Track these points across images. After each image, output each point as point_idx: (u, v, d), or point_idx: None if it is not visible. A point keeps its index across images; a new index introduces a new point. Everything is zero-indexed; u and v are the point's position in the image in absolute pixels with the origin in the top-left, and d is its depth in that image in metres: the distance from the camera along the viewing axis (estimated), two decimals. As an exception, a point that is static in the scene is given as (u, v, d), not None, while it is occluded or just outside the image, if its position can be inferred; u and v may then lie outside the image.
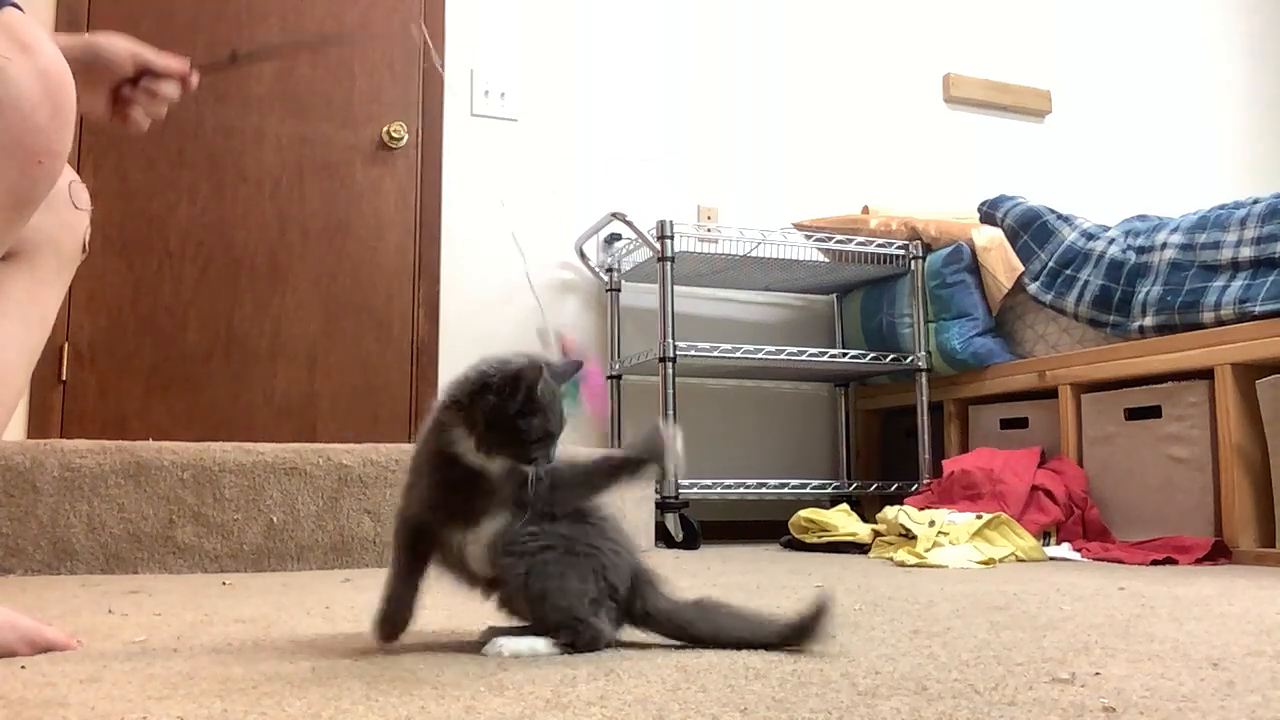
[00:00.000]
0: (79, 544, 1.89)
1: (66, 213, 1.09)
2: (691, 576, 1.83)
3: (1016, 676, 0.85)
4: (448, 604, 1.40)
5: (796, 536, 2.65)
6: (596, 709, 0.73)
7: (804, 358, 2.89)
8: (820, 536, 2.59)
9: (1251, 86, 4.32)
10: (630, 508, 2.41)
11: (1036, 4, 3.97)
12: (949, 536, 2.25)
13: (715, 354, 2.81)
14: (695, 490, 2.79)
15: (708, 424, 3.23)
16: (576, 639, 0.94)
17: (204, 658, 0.95)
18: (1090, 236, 2.80)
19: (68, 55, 1.12)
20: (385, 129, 3.00)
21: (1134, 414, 2.52)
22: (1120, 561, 2.22)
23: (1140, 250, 2.66)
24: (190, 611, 1.32)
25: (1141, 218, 2.85)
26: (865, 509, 2.92)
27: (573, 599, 0.94)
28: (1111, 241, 2.75)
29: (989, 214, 3.09)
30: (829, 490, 3.01)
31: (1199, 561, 2.18)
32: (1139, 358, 2.50)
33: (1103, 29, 4.08)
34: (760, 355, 2.84)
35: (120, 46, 1.13)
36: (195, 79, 1.18)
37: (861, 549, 2.49)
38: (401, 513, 1.01)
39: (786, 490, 2.92)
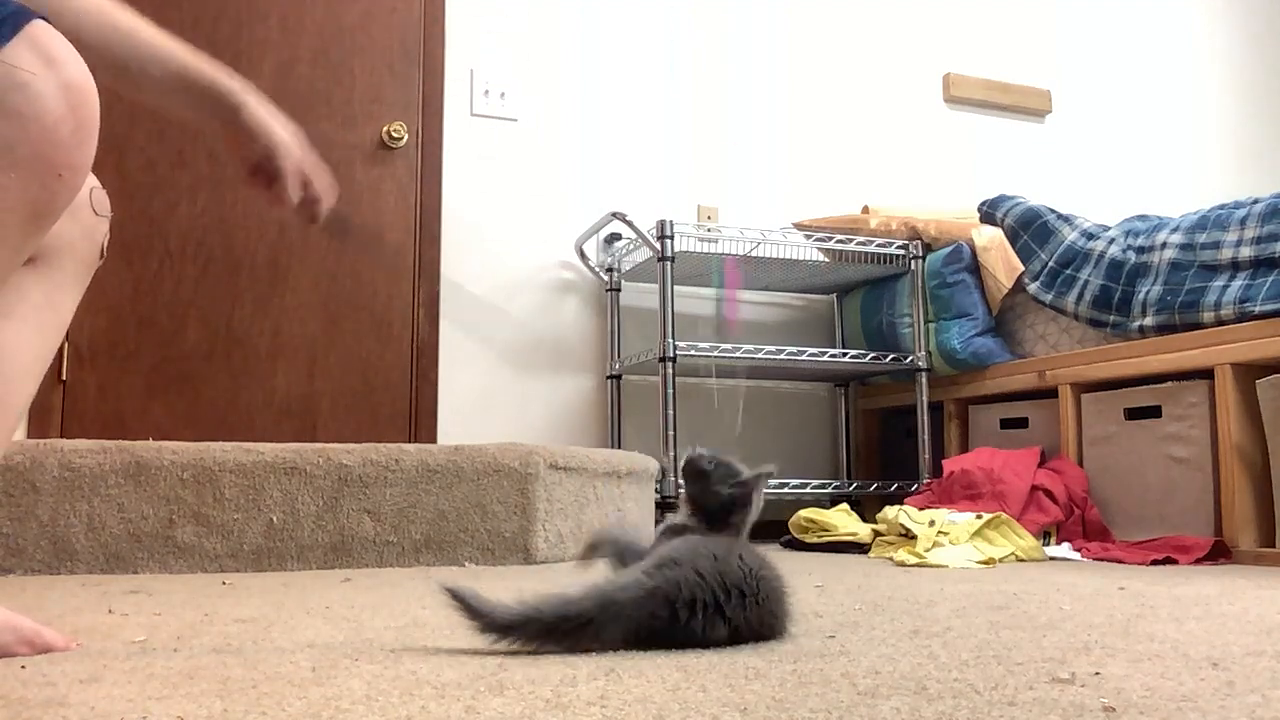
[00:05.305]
0: (79, 544, 1.89)
1: (87, 219, 1.08)
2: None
3: (1016, 676, 0.85)
4: (447, 605, 1.40)
5: (796, 536, 2.65)
6: (596, 709, 0.73)
7: (804, 358, 2.89)
8: (820, 536, 2.60)
9: (1251, 86, 4.32)
10: (630, 507, 2.41)
11: (1036, 4, 3.97)
12: (949, 536, 2.25)
13: (715, 354, 2.81)
14: (695, 490, 2.78)
15: (708, 424, 3.23)
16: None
17: (204, 658, 0.95)
18: (1090, 236, 2.80)
19: (194, 80, 1.04)
20: (385, 129, 3.00)
21: (1134, 414, 2.52)
22: (1120, 561, 2.22)
23: (1140, 250, 2.66)
24: (190, 611, 1.32)
25: (1141, 218, 2.85)
26: (865, 509, 2.92)
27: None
28: (1111, 241, 2.75)
29: (989, 214, 3.09)
30: (829, 490, 3.01)
31: (1199, 561, 2.18)
32: (1139, 358, 2.50)
33: (1103, 29, 4.07)
34: (760, 355, 2.84)
35: (261, 127, 1.06)
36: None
37: (861, 549, 2.49)
38: None
39: (786, 490, 2.92)
